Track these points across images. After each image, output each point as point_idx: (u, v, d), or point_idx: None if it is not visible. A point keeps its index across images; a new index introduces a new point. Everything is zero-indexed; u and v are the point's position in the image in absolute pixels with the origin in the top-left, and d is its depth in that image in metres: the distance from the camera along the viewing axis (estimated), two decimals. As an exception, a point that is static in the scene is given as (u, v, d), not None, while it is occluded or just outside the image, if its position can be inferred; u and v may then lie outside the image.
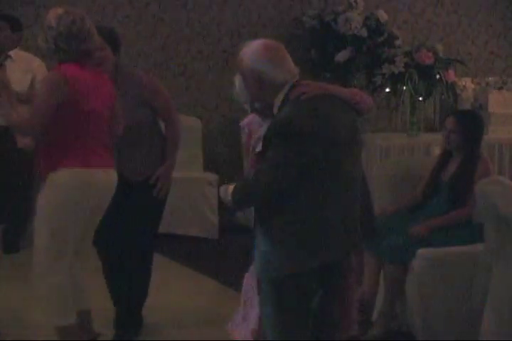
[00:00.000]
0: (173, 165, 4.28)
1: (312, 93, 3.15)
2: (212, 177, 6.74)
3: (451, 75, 7.17)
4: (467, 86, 7.40)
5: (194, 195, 6.58)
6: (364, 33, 7.13)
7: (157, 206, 4.31)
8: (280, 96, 3.19)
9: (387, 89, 7.22)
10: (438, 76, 7.14)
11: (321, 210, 3.15)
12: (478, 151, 4.58)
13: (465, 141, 4.53)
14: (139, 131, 4.16)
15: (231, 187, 3.21)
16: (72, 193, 3.71)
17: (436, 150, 4.98)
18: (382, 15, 7.27)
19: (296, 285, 3.21)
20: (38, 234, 3.76)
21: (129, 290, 4.35)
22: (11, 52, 5.94)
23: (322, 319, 3.35)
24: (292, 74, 3.20)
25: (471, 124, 4.58)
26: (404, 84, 7.10)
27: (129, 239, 4.30)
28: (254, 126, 3.76)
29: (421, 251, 4.30)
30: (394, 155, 6.86)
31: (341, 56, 7.11)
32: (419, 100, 7.20)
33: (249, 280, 3.85)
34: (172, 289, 5.26)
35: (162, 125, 4.36)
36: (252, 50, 3.21)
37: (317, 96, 3.16)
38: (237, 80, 3.41)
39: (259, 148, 3.40)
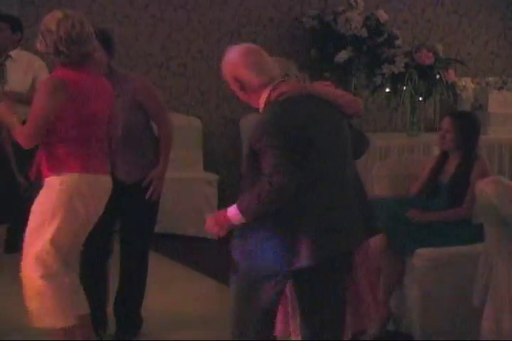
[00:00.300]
0: (165, 167, 4.30)
1: (291, 93, 3.21)
2: (212, 177, 6.74)
3: (451, 75, 7.18)
4: (467, 86, 7.40)
5: (194, 195, 6.58)
6: (364, 33, 7.13)
7: (151, 207, 4.31)
8: (263, 97, 3.26)
9: (387, 89, 7.23)
10: (438, 76, 7.14)
11: (310, 211, 3.17)
12: (476, 152, 4.58)
13: (461, 141, 4.53)
14: (131, 134, 4.15)
15: (230, 209, 3.20)
16: (72, 198, 3.70)
17: (436, 151, 4.97)
18: (382, 15, 7.27)
19: (275, 284, 3.25)
20: (34, 236, 3.74)
21: (127, 291, 4.35)
22: (12, 53, 5.93)
23: (321, 318, 3.36)
24: (270, 76, 3.26)
25: (467, 125, 4.59)
26: (404, 84, 7.11)
27: (125, 240, 4.31)
28: None
29: (421, 251, 4.30)
30: (394, 155, 6.86)
31: (341, 56, 7.11)
32: (419, 100, 7.20)
33: None
34: (172, 289, 5.26)
35: (154, 126, 4.38)
36: (228, 56, 3.31)
37: (296, 96, 3.22)
38: None
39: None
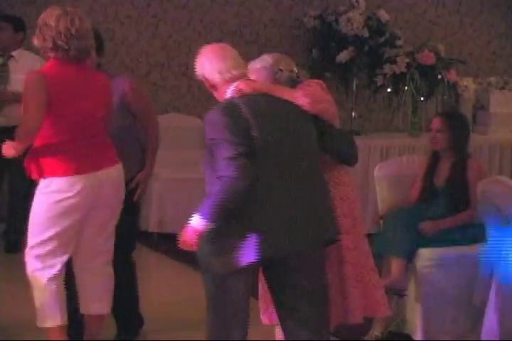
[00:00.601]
0: (151, 170, 4.29)
1: (246, 91, 3.33)
2: (213, 177, 6.73)
3: (452, 75, 7.17)
4: (469, 86, 7.39)
5: (194, 195, 6.57)
6: (365, 33, 7.12)
7: (133, 206, 4.27)
8: (228, 94, 3.38)
9: (389, 89, 7.22)
10: (439, 76, 7.13)
11: (257, 208, 3.24)
12: (467, 151, 4.57)
13: (453, 140, 4.52)
14: (117, 134, 4.06)
15: (193, 219, 3.28)
16: (56, 202, 3.71)
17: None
18: (384, 15, 7.26)
19: (238, 280, 3.33)
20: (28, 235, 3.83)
21: (119, 291, 4.33)
22: (14, 53, 5.94)
23: (291, 313, 3.42)
24: (234, 74, 3.38)
25: (457, 123, 4.58)
26: (405, 84, 7.10)
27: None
28: None
29: (422, 251, 4.30)
30: (395, 155, 6.85)
31: (343, 56, 7.10)
32: (420, 100, 7.20)
33: None
34: (172, 288, 5.26)
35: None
36: (197, 57, 3.46)
37: (251, 94, 3.33)
38: None
39: None
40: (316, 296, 3.41)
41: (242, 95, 3.33)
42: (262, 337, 3.98)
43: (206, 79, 3.42)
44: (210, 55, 3.42)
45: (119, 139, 4.08)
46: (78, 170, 3.72)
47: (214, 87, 3.43)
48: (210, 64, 3.39)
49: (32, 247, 3.81)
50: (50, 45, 3.66)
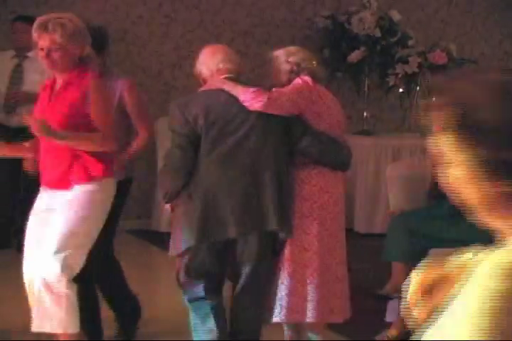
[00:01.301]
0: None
1: (208, 87, 3.66)
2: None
3: (464, 75, 7.16)
4: (480, 86, 7.38)
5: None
6: (377, 33, 7.12)
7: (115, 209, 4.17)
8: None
9: (401, 89, 7.22)
10: (451, 76, 7.13)
11: (197, 196, 3.54)
12: None
13: None
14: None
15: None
16: (106, 206, 3.71)
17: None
18: (396, 15, 7.26)
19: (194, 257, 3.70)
20: (63, 241, 3.65)
21: (108, 292, 4.32)
22: (29, 53, 5.97)
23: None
24: (218, 67, 3.68)
25: None
26: (417, 84, 7.10)
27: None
28: None
29: (434, 251, 4.29)
30: (406, 155, 6.86)
31: (354, 56, 7.11)
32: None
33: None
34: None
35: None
36: None
37: (208, 90, 3.64)
38: None
39: None
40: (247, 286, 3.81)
41: (201, 91, 3.67)
42: (270, 337, 3.98)
43: (199, 74, 3.73)
44: (203, 53, 3.74)
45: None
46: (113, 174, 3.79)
47: (205, 81, 3.72)
48: (202, 59, 3.71)
49: (81, 252, 3.67)
50: (93, 51, 3.76)
